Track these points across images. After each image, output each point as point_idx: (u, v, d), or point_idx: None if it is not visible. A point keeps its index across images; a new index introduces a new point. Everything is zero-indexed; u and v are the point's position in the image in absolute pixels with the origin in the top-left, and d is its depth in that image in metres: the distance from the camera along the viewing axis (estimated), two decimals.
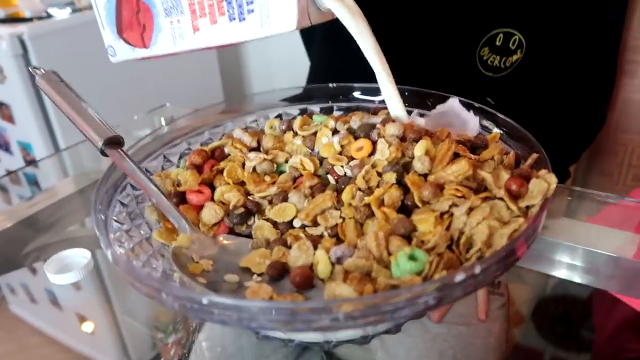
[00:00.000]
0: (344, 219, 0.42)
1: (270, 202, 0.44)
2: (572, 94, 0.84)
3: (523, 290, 0.55)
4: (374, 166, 0.44)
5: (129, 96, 1.33)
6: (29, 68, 0.52)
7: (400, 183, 0.42)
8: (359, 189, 0.43)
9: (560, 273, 0.55)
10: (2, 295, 0.58)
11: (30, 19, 1.40)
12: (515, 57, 0.79)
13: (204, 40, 0.46)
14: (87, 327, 0.53)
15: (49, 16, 1.44)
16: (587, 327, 0.49)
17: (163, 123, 0.92)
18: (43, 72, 0.50)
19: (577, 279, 0.54)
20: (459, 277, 0.31)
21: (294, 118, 0.58)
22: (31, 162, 1.37)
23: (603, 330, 0.50)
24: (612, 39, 0.85)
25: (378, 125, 0.47)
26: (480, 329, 0.49)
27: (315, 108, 0.60)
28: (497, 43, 0.78)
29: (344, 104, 0.60)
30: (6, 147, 1.46)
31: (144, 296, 0.33)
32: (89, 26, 1.31)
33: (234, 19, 0.43)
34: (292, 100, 0.62)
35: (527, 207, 0.38)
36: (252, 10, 0.42)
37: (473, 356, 0.46)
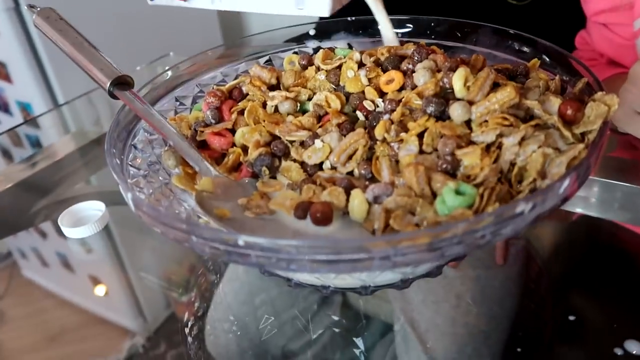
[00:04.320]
0: (377, 157, 0.39)
1: (302, 144, 0.41)
2: None
3: (541, 234, 0.53)
4: (407, 100, 0.41)
5: (128, 47, 1.27)
6: (26, 6, 0.48)
7: (440, 117, 0.38)
8: (393, 123, 0.39)
9: (585, 210, 0.53)
10: (14, 260, 0.56)
11: None
12: None
13: (240, 5, 0.47)
14: (100, 287, 0.51)
15: None
16: (605, 270, 0.47)
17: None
18: (40, 9, 0.46)
19: (595, 213, 0.52)
20: (521, 207, 0.28)
21: (312, 56, 0.54)
22: (30, 119, 1.33)
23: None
24: None
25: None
26: (498, 273, 0.48)
27: (331, 45, 0.55)
28: None
29: (365, 39, 0.56)
30: (5, 108, 1.41)
31: (156, 254, 0.31)
32: None
33: None
34: (300, 39, 0.57)
35: (583, 134, 0.35)
36: None
37: (490, 299, 0.45)
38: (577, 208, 0.53)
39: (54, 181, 0.67)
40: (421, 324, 0.43)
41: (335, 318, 0.43)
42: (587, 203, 0.53)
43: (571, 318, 0.40)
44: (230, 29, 1.82)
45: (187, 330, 0.44)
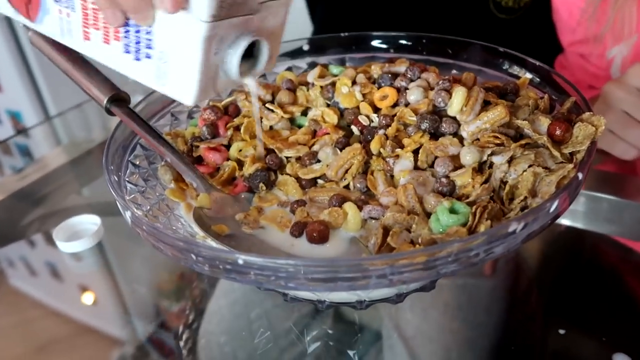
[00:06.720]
0: (372, 171, 0.40)
1: (298, 159, 0.42)
2: None
3: (528, 245, 0.54)
4: (401, 115, 0.42)
5: None
6: (22, 24, 0.48)
7: (434, 134, 0.39)
8: (388, 138, 0.40)
9: (572, 222, 0.54)
10: (1, 269, 0.55)
11: None
12: None
13: (95, 54, 0.37)
14: (89, 297, 0.51)
15: None
16: (593, 279, 0.49)
17: None
18: None
19: (581, 225, 0.54)
20: (513, 226, 0.29)
21: (305, 71, 0.54)
22: (21, 131, 1.32)
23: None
24: None
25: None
26: (486, 282, 0.49)
27: (324, 61, 0.56)
28: None
29: (358, 55, 0.57)
30: None
31: (146, 264, 0.31)
32: None
33: (129, 52, 0.35)
34: (295, 54, 0.58)
35: (571, 154, 0.36)
36: (150, 57, 0.34)
37: (478, 307, 0.46)
38: (563, 220, 0.55)
39: (45, 193, 0.67)
40: (408, 331, 0.43)
41: (329, 331, 0.44)
42: (574, 215, 0.55)
43: (561, 332, 0.41)
44: None
45: (180, 341, 0.44)
